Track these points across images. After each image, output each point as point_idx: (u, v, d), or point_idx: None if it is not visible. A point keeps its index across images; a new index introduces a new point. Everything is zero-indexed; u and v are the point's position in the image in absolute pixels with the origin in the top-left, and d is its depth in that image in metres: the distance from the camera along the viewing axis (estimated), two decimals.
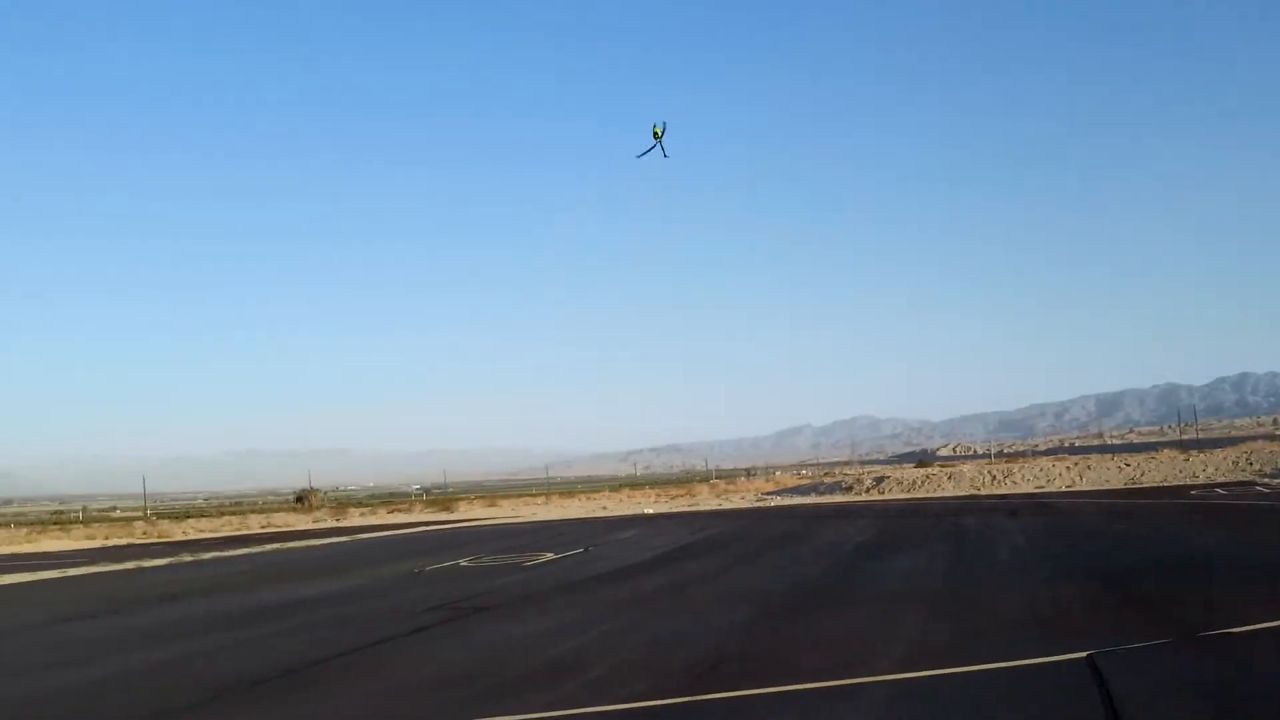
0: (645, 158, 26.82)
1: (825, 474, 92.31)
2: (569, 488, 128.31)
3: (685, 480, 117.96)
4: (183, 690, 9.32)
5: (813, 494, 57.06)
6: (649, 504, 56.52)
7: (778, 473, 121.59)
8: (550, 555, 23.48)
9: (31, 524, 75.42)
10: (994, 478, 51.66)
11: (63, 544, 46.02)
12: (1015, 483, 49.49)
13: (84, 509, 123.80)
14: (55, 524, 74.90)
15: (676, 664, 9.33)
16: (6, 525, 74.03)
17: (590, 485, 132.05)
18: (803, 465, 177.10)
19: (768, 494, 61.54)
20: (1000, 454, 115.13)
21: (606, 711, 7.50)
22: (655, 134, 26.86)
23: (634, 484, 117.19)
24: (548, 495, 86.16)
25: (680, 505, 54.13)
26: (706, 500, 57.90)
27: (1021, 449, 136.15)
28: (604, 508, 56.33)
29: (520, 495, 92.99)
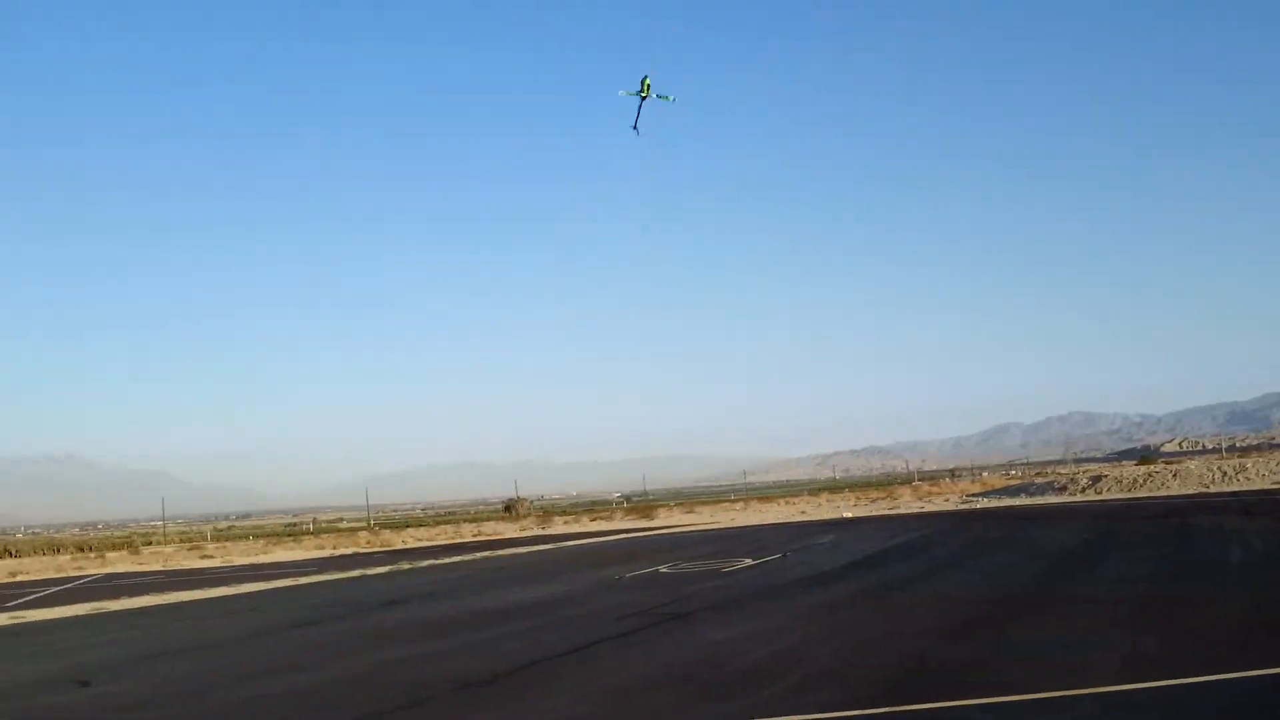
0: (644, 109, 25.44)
1: (1036, 474, 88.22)
2: (767, 492, 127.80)
3: (886, 483, 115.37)
4: (402, 691, 9.93)
5: (1022, 495, 54.76)
6: (848, 507, 55.66)
7: (984, 473, 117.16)
8: (748, 561, 23.54)
9: (268, 536, 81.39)
10: (1225, 474, 48.15)
11: (295, 554, 49.45)
12: (1249, 479, 45.98)
13: (314, 521, 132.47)
14: (289, 535, 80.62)
15: (874, 672, 9.24)
16: (246, 537, 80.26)
17: (788, 490, 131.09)
18: (1011, 465, 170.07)
19: (973, 496, 59.47)
20: (1232, 448, 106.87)
21: None
22: (643, 93, 25.44)
23: (833, 487, 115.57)
24: (746, 500, 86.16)
25: (880, 508, 53.06)
26: (908, 503, 56.53)
27: (1256, 442, 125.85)
28: (802, 512, 55.86)
29: (718, 501, 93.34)
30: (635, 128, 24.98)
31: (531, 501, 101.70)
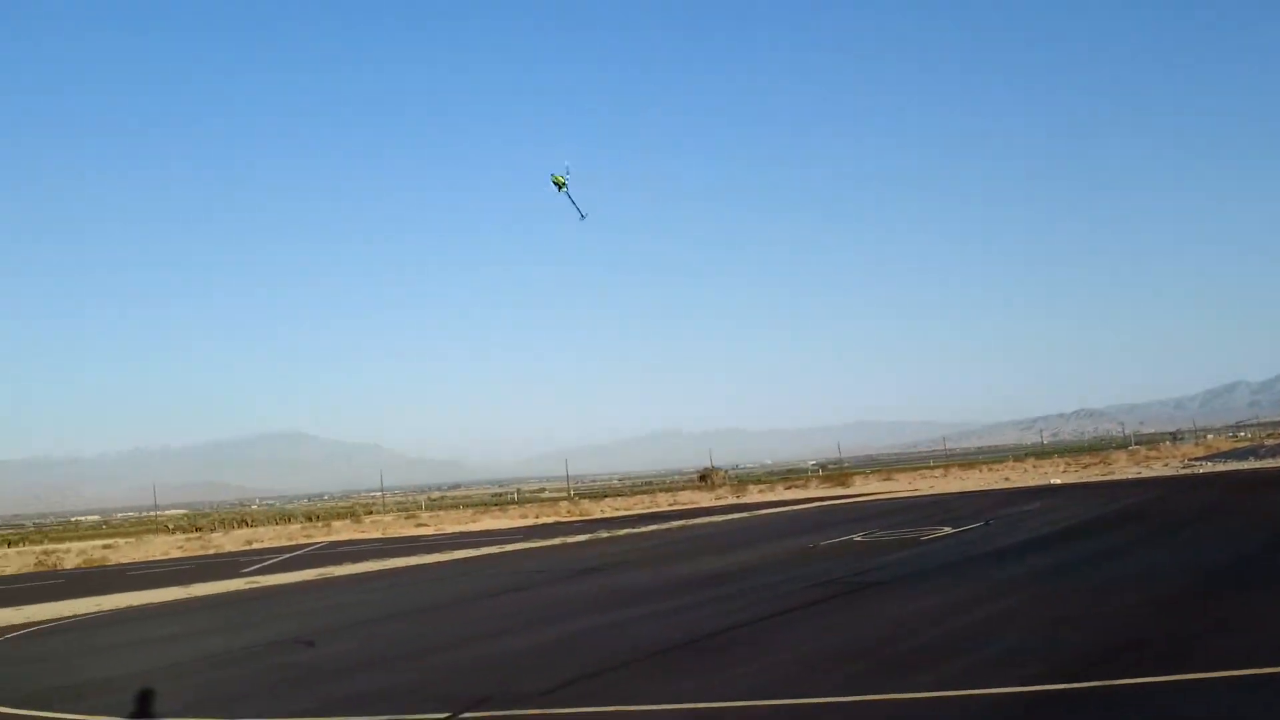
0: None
1: (1268, 435, 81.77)
2: (969, 459, 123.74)
3: (1099, 447, 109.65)
4: (603, 655, 10.27)
5: (1251, 459, 50.91)
6: (1056, 474, 53.22)
7: (1208, 436, 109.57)
8: (947, 530, 22.96)
9: (476, 505, 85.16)
10: None
11: (500, 523, 51.59)
12: None
13: (518, 491, 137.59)
14: (495, 505, 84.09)
15: (1077, 646, 8.89)
16: (456, 507, 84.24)
17: (992, 456, 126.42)
18: (1239, 427, 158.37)
19: (1195, 460, 55.79)
20: None
21: (999, 694, 7.35)
22: (558, 183, 24.67)
23: (1040, 453, 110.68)
24: (946, 467, 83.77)
25: (1092, 474, 50.51)
26: (1124, 468, 53.57)
27: None
28: (1006, 479, 53.82)
29: (917, 469, 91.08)
30: (582, 215, 25.02)
31: (726, 471, 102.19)
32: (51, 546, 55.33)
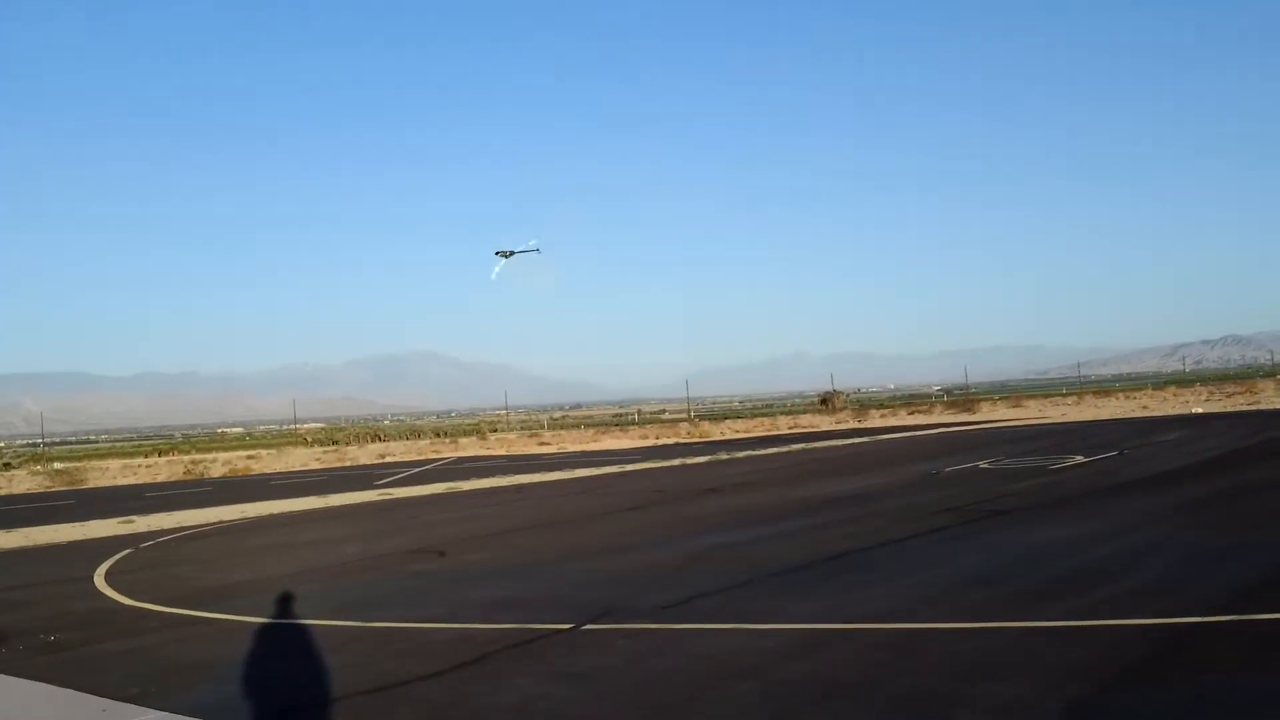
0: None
1: None
2: (1105, 386, 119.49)
3: (1246, 376, 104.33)
4: (723, 574, 10.34)
5: None
6: (1199, 403, 50.91)
7: None
8: (1079, 458, 22.25)
9: (597, 425, 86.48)
10: None
11: (621, 443, 52.28)
12: None
13: (638, 412, 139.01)
14: (616, 425, 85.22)
15: (1218, 581, 8.51)
16: (578, 426, 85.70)
17: (1129, 383, 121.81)
18: None
19: None
20: None
21: (1136, 625, 7.11)
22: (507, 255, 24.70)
23: (1181, 381, 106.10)
24: (1079, 395, 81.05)
25: (1238, 404, 48.21)
26: (1270, 398, 50.91)
27: None
28: (1144, 407, 51.82)
29: (1048, 395, 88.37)
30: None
31: (848, 395, 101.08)
32: (199, 456, 58.61)
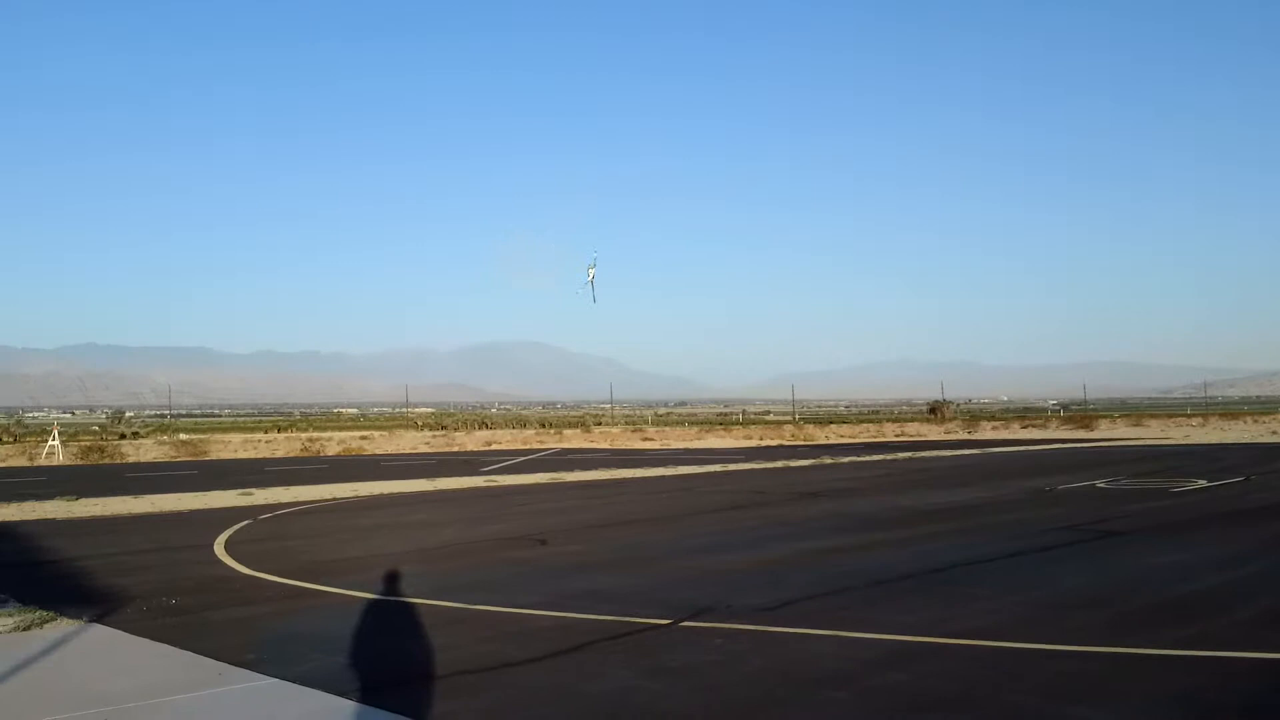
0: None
1: None
2: (1232, 408, 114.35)
3: None
4: (821, 580, 10.28)
5: None
6: None
7: None
8: (1201, 482, 21.39)
9: (700, 423, 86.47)
10: None
11: (724, 441, 52.24)
12: None
13: (742, 412, 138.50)
14: (719, 424, 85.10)
15: None
16: (681, 423, 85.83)
17: (1259, 407, 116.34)
18: None
19: None
20: None
21: (1255, 659, 6.83)
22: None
23: None
24: (1205, 416, 77.73)
25: None
26: None
27: None
28: (1274, 432, 49.47)
29: (1171, 415, 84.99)
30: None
31: (958, 405, 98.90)
32: (315, 435, 60.62)
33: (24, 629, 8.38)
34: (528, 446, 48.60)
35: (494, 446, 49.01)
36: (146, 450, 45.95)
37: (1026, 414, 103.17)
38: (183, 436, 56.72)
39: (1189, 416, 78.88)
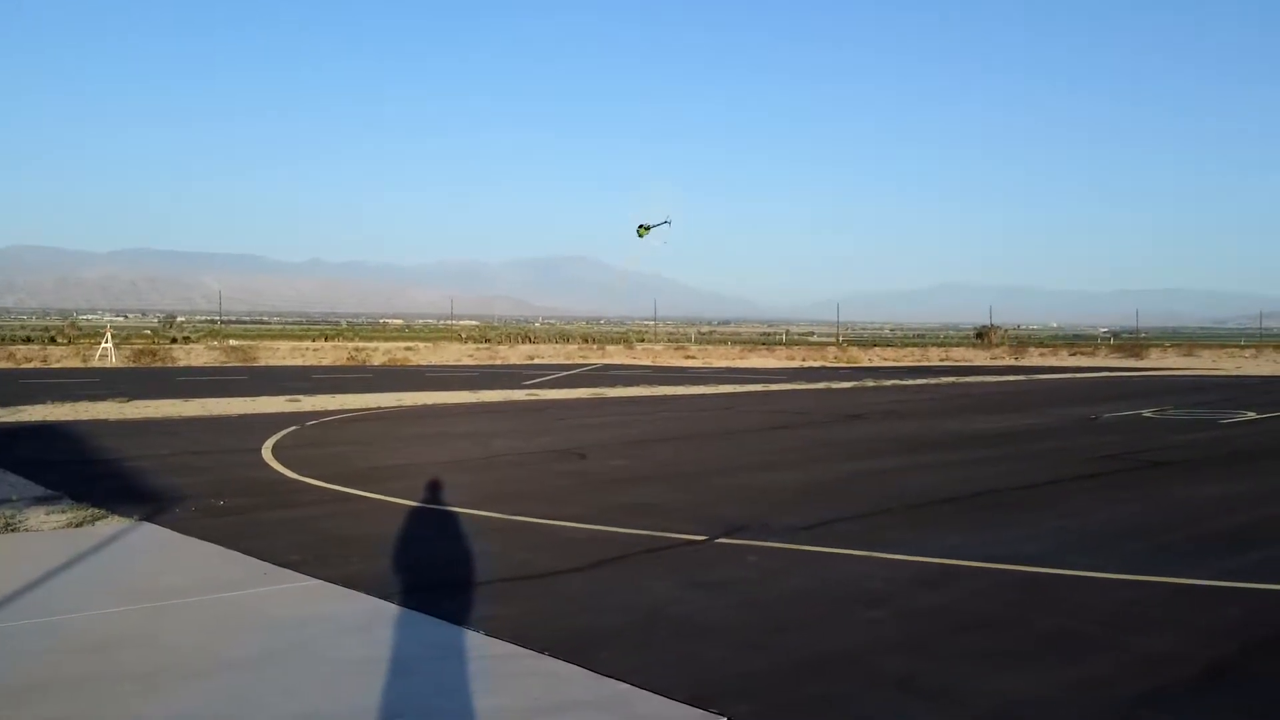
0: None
1: None
2: None
3: None
4: (864, 500, 10.28)
5: None
6: None
7: None
8: (1252, 414, 21.02)
9: (743, 343, 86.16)
10: None
11: (767, 362, 52.07)
12: None
13: (786, 332, 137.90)
14: (762, 344, 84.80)
15: None
16: (724, 342, 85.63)
17: None
18: None
19: None
20: None
21: None
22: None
23: None
24: (1258, 348, 76.13)
25: None
26: None
27: None
28: None
29: (1224, 346, 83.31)
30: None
31: (1006, 330, 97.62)
32: (361, 344, 61.31)
33: (76, 525, 8.61)
34: (570, 361, 48.80)
35: (536, 360, 49.28)
36: (197, 355, 46.77)
37: (1076, 341, 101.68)
38: (232, 342, 57.64)
39: (1242, 348, 77.24)
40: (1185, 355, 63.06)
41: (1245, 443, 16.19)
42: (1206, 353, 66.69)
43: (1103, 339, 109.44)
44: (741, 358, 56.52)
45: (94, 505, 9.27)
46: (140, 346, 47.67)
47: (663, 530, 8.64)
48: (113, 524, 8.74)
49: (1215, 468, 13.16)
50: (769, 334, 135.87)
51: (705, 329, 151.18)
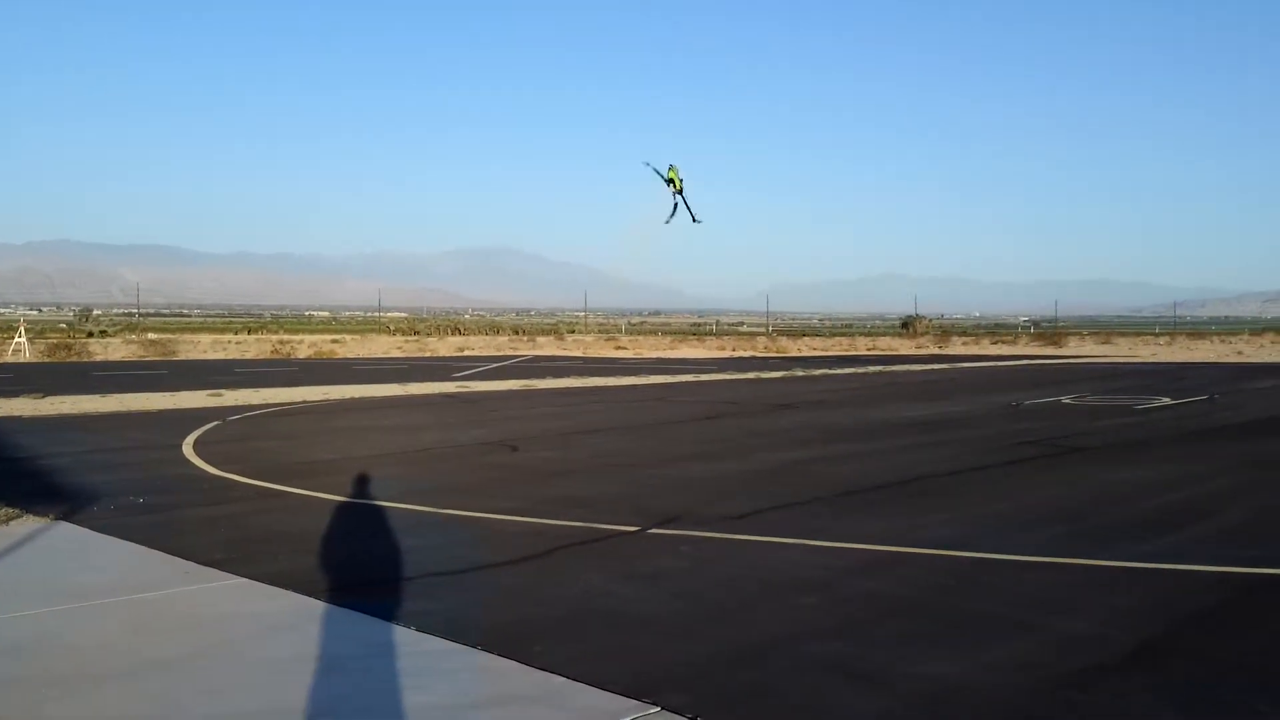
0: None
1: None
2: (1199, 328, 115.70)
3: None
4: (792, 488, 10.37)
5: None
6: None
7: None
8: (1166, 400, 21.66)
9: (674, 333, 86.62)
10: None
11: (697, 352, 52.35)
12: None
13: (716, 322, 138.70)
14: (693, 334, 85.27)
15: None
16: (655, 333, 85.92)
17: (1226, 327, 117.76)
18: None
19: None
20: None
21: (1211, 573, 6.95)
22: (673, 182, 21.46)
23: None
24: (1172, 335, 78.60)
25: None
26: None
27: None
28: (1239, 353, 50.13)
29: (1139, 334, 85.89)
30: (676, 217, 22.34)
31: (931, 320, 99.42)
32: (286, 337, 60.19)
33: None
34: (500, 353, 48.51)
35: (466, 353, 48.88)
36: (115, 349, 45.50)
37: (997, 330, 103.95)
38: (151, 336, 56.21)
39: (1157, 336, 79.70)
40: (1103, 343, 64.83)
41: (1159, 428, 16.67)
42: (1123, 341, 68.66)
43: (1023, 328, 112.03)
44: (672, 348, 56.72)
45: (7, 505, 8.94)
46: (55, 341, 46.26)
47: (596, 522, 8.61)
48: (28, 524, 8.45)
49: (1131, 452, 13.52)
50: (699, 324, 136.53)
51: (636, 320, 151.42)
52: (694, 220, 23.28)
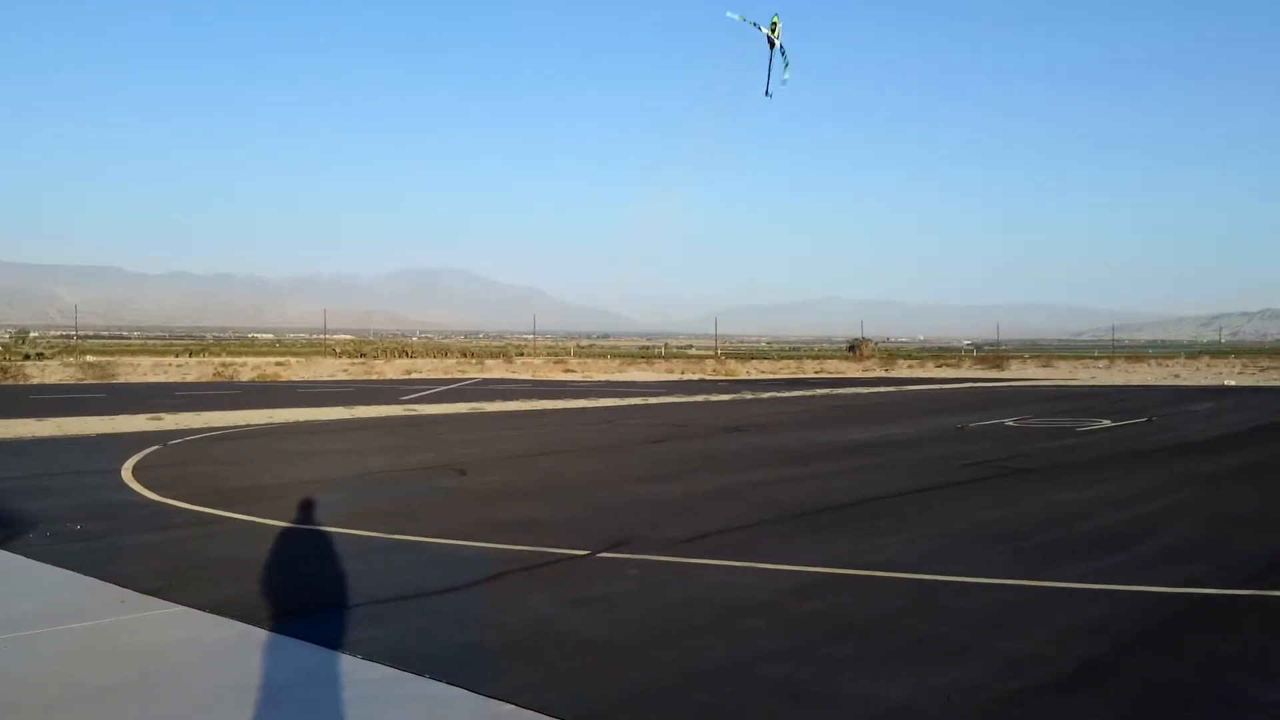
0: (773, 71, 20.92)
1: None
2: (1137, 351, 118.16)
3: None
4: (740, 511, 10.38)
5: None
6: (1232, 375, 50.35)
7: None
8: (1106, 422, 22.08)
9: (623, 356, 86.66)
10: None
11: (646, 375, 52.40)
12: None
13: (665, 345, 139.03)
14: (641, 357, 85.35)
15: (1243, 552, 8.45)
16: (604, 356, 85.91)
17: (1163, 350, 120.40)
18: None
19: None
20: None
21: (1154, 593, 7.07)
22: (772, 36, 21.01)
23: (1216, 351, 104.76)
24: (1111, 359, 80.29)
25: (1272, 378, 47.58)
26: None
27: None
28: (1176, 375, 51.30)
29: (1079, 357, 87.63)
30: (769, 92, 21.83)
31: (876, 343, 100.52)
32: (229, 359, 59.28)
33: None
34: (449, 376, 48.15)
35: (414, 375, 48.46)
36: (51, 372, 44.46)
37: (941, 353, 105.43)
38: (90, 358, 55.01)
39: (1096, 359, 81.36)
40: (1044, 366, 66.03)
41: (1101, 450, 16.98)
42: (1064, 364, 69.98)
43: (966, 351, 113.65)
44: (621, 371, 56.73)
45: None
46: None
47: (545, 546, 8.55)
48: None
49: (1074, 474, 13.76)
50: (648, 347, 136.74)
51: (584, 343, 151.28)
52: (767, 94, 22.27)
